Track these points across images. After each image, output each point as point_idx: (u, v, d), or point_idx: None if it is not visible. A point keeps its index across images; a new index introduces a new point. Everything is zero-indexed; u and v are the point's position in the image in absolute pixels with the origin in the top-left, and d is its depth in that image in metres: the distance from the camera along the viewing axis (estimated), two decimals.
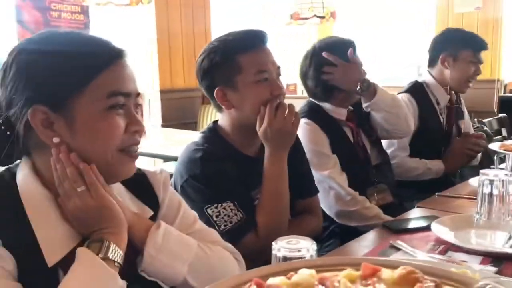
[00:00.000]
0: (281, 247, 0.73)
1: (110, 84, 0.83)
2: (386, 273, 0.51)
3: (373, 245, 1.23)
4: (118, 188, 0.95)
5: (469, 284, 0.49)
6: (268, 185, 1.39)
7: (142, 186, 0.99)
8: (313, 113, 1.93)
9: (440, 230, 1.22)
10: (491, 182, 1.17)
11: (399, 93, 2.32)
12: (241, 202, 1.37)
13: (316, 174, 1.75)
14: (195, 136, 1.54)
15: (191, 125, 4.39)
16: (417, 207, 1.59)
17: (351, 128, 1.97)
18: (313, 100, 2.00)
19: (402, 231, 1.31)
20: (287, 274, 0.53)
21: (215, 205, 1.34)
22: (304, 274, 0.52)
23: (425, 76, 2.42)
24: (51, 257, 0.79)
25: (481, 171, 1.22)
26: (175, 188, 1.36)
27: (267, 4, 4.71)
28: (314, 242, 0.74)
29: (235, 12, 4.63)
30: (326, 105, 1.96)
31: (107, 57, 0.84)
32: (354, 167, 1.88)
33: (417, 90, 2.35)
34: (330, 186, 1.82)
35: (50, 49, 0.83)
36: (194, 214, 1.10)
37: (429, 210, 1.50)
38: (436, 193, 1.71)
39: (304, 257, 0.72)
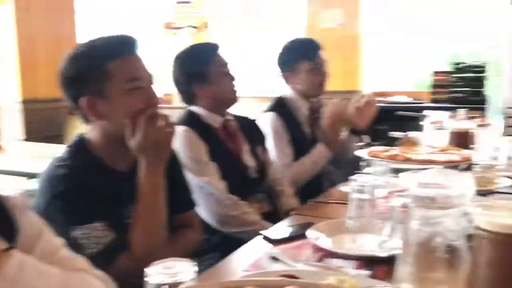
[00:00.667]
0: (156, 272, 0.66)
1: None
2: None
3: (254, 256, 1.21)
4: None
5: None
6: (143, 200, 1.30)
7: None
8: (190, 120, 1.92)
9: (316, 237, 1.24)
10: (362, 187, 1.22)
11: (265, 112, 2.39)
12: (113, 221, 1.26)
13: (196, 181, 1.73)
14: (60, 150, 1.40)
15: (57, 138, 4.05)
16: (293, 214, 1.61)
17: (225, 136, 1.98)
18: (190, 108, 1.98)
19: (281, 240, 1.32)
20: None
21: (83, 226, 1.21)
22: None
23: (284, 90, 2.50)
24: None
25: (352, 177, 1.27)
26: (38, 209, 1.20)
27: (140, 13, 4.56)
28: (195, 263, 0.68)
29: (105, 20, 4.39)
30: (202, 112, 1.95)
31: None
32: (232, 176, 1.88)
33: (280, 106, 2.41)
34: (211, 192, 1.81)
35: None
36: (58, 240, 0.97)
37: (304, 217, 1.54)
38: (309, 200, 1.77)
39: (182, 282, 0.66)
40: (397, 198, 0.90)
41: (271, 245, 1.29)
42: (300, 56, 2.40)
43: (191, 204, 1.60)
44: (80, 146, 1.36)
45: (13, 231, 0.87)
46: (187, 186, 1.61)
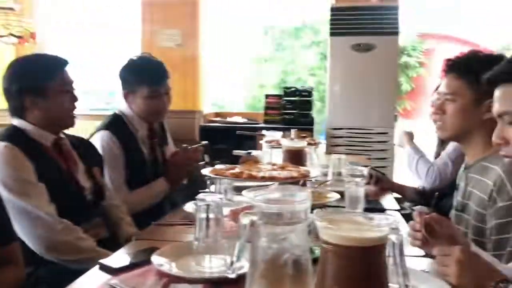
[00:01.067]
0: None
1: None
2: None
3: None
4: None
5: None
6: None
7: None
8: (14, 136, 1.72)
9: (160, 262, 1.17)
10: (208, 206, 1.19)
11: (98, 130, 2.24)
12: None
13: (20, 204, 1.57)
14: None
15: None
16: (134, 239, 1.51)
17: (57, 156, 1.81)
18: (14, 122, 1.77)
19: (121, 269, 1.21)
20: None
21: None
22: None
23: (122, 106, 2.38)
24: None
25: (196, 196, 1.23)
26: None
27: None
28: None
29: None
30: (30, 128, 1.75)
31: None
32: (64, 198, 1.72)
33: (115, 124, 2.29)
34: (38, 215, 1.62)
35: None
36: None
37: (147, 242, 1.44)
38: (152, 222, 1.69)
39: None
40: (245, 215, 0.88)
41: (110, 275, 1.17)
42: (142, 80, 2.29)
43: (11, 237, 1.40)
44: None
45: None
46: (6, 215, 1.41)
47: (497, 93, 1.18)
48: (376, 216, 0.79)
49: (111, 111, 2.48)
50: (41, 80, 1.76)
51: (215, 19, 5.29)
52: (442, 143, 2.72)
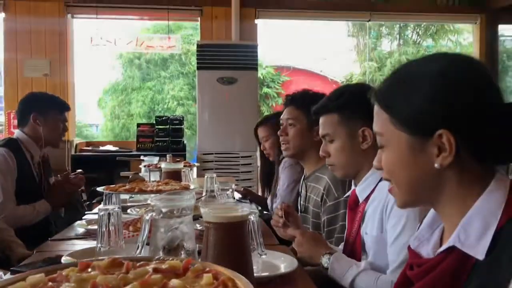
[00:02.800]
0: None
1: None
2: (97, 263, 0.70)
3: None
4: None
5: (150, 259, 0.75)
6: None
7: None
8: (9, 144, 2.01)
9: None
10: (109, 215, 1.46)
11: None
12: None
13: None
14: None
15: None
16: (37, 252, 1.69)
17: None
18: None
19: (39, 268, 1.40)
20: (17, 281, 0.64)
21: None
22: (35, 277, 0.64)
23: (16, 133, 2.56)
24: None
25: (99, 207, 1.49)
26: None
27: None
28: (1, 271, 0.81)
29: None
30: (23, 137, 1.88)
31: None
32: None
33: (12, 144, 2.46)
34: None
35: None
36: None
37: (48, 253, 1.64)
38: (49, 239, 1.87)
39: None
40: (147, 212, 1.19)
41: None
42: (53, 105, 2.60)
43: None
44: None
45: None
46: None
47: (320, 120, 1.66)
48: (241, 205, 1.16)
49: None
50: None
51: (83, 48, 5.39)
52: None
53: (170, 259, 0.75)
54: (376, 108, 0.95)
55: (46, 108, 2.57)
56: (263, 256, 1.34)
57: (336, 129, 1.57)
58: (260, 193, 3.40)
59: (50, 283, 0.64)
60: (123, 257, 0.74)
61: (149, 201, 1.55)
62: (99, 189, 1.84)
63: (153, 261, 0.74)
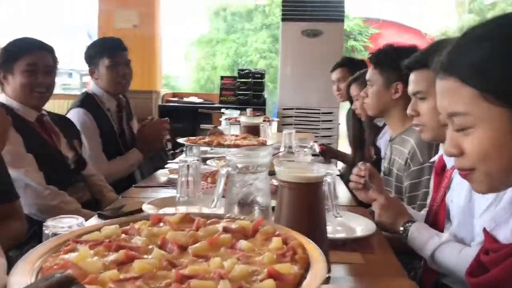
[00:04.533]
0: (53, 225, 0.81)
1: None
2: (169, 218, 0.71)
3: None
4: None
5: (221, 217, 0.75)
6: None
7: None
8: (85, 102, 2.06)
9: (150, 210, 1.46)
10: (188, 166, 1.49)
11: (71, 108, 2.49)
12: None
13: (13, 173, 1.74)
14: None
15: None
16: (122, 197, 1.79)
17: (41, 130, 2.03)
18: (2, 98, 1.99)
19: (118, 217, 1.48)
20: (93, 231, 0.66)
21: None
22: (110, 228, 0.66)
23: (91, 86, 2.64)
24: None
25: (179, 158, 1.53)
26: None
27: None
28: (83, 218, 0.85)
29: None
30: (14, 105, 1.97)
31: None
32: (50, 167, 1.95)
33: (87, 101, 2.54)
34: (27, 183, 1.85)
35: None
36: None
37: (132, 199, 1.73)
38: (133, 185, 1.97)
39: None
40: (223, 167, 1.19)
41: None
42: (102, 52, 2.56)
43: (13, 195, 1.63)
44: None
45: None
46: (8, 177, 1.64)
47: (412, 76, 1.54)
48: (318, 165, 1.12)
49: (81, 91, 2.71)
50: (12, 58, 1.98)
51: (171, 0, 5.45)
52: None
53: (241, 218, 0.73)
54: (447, 83, 0.81)
55: (95, 58, 2.59)
56: (339, 218, 1.30)
57: (430, 86, 1.43)
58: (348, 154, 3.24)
59: (123, 235, 0.65)
60: (194, 213, 0.74)
61: (225, 156, 1.57)
62: (180, 140, 1.88)
63: (224, 219, 0.73)
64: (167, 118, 2.74)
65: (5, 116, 1.41)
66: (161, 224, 0.69)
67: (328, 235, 1.11)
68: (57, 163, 2.04)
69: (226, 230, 0.67)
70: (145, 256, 0.58)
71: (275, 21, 9.41)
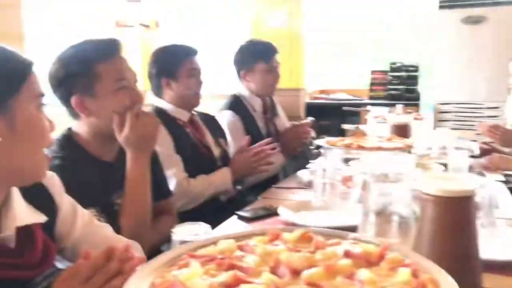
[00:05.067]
0: (180, 232, 0.83)
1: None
2: (287, 235, 0.66)
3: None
4: (15, 195, 0.93)
5: (344, 237, 0.67)
6: (131, 189, 1.44)
7: (36, 191, 0.98)
8: (158, 115, 2.04)
9: (286, 214, 1.44)
10: (324, 171, 1.43)
11: (220, 111, 2.58)
12: (103, 208, 1.39)
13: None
14: None
15: None
16: (262, 198, 1.80)
17: (192, 130, 2.14)
18: (157, 103, 2.13)
19: (254, 219, 1.50)
20: (209, 246, 0.64)
21: None
22: (225, 243, 0.64)
23: (238, 88, 2.71)
24: None
25: (313, 162, 1.48)
26: None
27: (90, 10, 4.57)
28: (209, 225, 0.86)
29: (54, 16, 4.37)
30: (169, 107, 2.10)
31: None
32: (201, 166, 2.05)
33: (235, 104, 2.61)
34: (174, 182, 1.95)
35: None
36: (87, 212, 1.11)
37: (271, 200, 1.73)
38: (272, 186, 1.98)
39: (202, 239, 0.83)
40: (359, 176, 1.11)
41: (246, 223, 1.47)
42: (258, 57, 2.61)
43: (168, 193, 1.75)
44: (69, 139, 1.47)
45: (54, 209, 1.00)
46: (164, 175, 1.76)
47: None
48: (469, 176, 0.97)
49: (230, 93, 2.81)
50: (174, 65, 2.12)
51: None
52: None
53: (367, 239, 0.65)
54: None
55: (248, 62, 2.62)
56: (498, 234, 1.12)
57: None
58: None
59: (237, 252, 0.62)
60: (315, 230, 0.69)
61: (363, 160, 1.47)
62: (319, 142, 1.83)
63: (347, 239, 0.66)
64: (309, 121, 2.72)
65: (156, 119, 1.51)
66: (278, 242, 0.65)
67: (482, 255, 0.96)
68: (206, 161, 2.14)
69: (347, 254, 0.60)
70: (255, 280, 0.54)
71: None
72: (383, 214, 1.09)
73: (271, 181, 2.39)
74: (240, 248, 0.64)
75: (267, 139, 2.25)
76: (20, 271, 0.85)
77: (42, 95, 0.94)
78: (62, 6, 4.44)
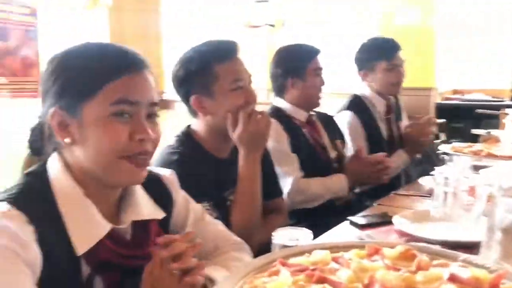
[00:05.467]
0: (281, 236, 0.82)
1: (118, 92, 0.87)
2: (387, 251, 0.61)
3: (343, 239, 1.34)
4: (138, 190, 1.00)
5: (453, 257, 0.61)
6: (243, 186, 1.48)
7: (157, 187, 1.06)
8: (276, 114, 2.08)
9: (401, 223, 1.35)
10: (446, 180, 1.32)
11: (340, 111, 2.50)
12: (216, 203, 1.44)
13: (277, 168, 1.85)
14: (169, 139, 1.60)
15: None
16: (377, 204, 1.72)
17: (309, 130, 2.12)
18: (275, 103, 2.15)
19: (367, 226, 1.44)
20: (303, 255, 0.63)
21: None
22: (320, 254, 0.61)
23: (360, 88, 2.60)
24: (80, 247, 0.85)
25: (436, 169, 1.37)
26: None
27: (219, 12, 4.81)
28: (310, 231, 0.84)
29: (187, 17, 4.68)
30: (287, 107, 2.11)
31: (117, 67, 0.89)
32: (317, 166, 2.02)
33: (356, 104, 2.51)
34: (287, 180, 1.94)
35: (72, 57, 0.89)
36: (199, 206, 1.18)
37: (387, 207, 1.64)
38: (392, 192, 1.88)
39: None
40: (484, 188, 1.00)
41: (358, 230, 1.42)
42: (379, 56, 2.50)
43: (278, 192, 1.76)
44: (188, 136, 1.56)
45: (170, 204, 1.07)
46: (275, 174, 1.78)
47: None
48: None
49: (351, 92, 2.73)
50: (301, 64, 2.11)
51: None
52: None
53: (481, 263, 0.58)
54: None
55: (369, 61, 2.52)
56: None
57: None
58: None
59: (330, 264, 0.59)
60: (421, 247, 0.63)
61: (490, 171, 1.32)
62: (442, 148, 1.69)
63: (457, 261, 0.59)
64: (433, 117, 2.53)
65: (267, 119, 1.52)
66: (377, 257, 0.61)
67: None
68: (322, 162, 2.11)
69: (452, 279, 0.53)
70: None
71: None
72: (509, 232, 0.97)
73: (392, 184, 2.27)
74: (335, 260, 0.61)
75: (383, 154, 2.14)
76: (135, 261, 0.91)
77: (125, 101, 0.88)
78: (196, 9, 4.74)
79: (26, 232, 0.79)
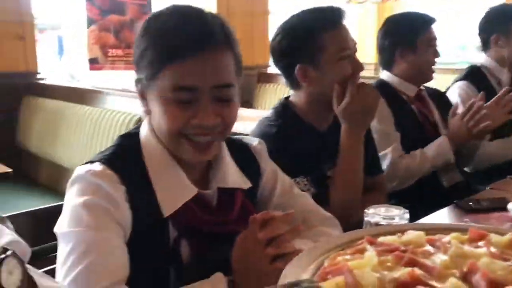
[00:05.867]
0: (374, 214, 0.76)
1: (176, 77, 0.86)
2: (495, 237, 0.53)
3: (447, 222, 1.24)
4: (226, 159, 1.00)
5: None
6: (344, 161, 1.41)
7: (245, 157, 1.06)
8: (382, 88, 1.91)
9: None
10: None
11: (456, 81, 2.29)
12: (314, 177, 1.39)
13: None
14: (255, 113, 1.57)
15: (246, 104, 4.40)
16: (490, 188, 1.57)
17: (418, 106, 1.98)
18: (381, 76, 2.03)
19: (474, 210, 1.31)
20: (394, 234, 0.57)
21: None
22: (413, 234, 0.55)
23: (481, 58, 2.35)
24: (167, 209, 0.87)
25: None
26: None
27: None
28: (407, 210, 0.77)
29: None
30: (395, 80, 1.97)
31: (183, 47, 0.85)
32: (423, 144, 1.88)
33: (473, 75, 2.28)
34: (391, 161, 1.82)
35: (151, 26, 0.91)
36: (288, 178, 1.15)
37: (501, 192, 1.48)
38: (508, 176, 1.69)
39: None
40: None
41: (464, 214, 1.30)
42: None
43: (379, 169, 1.67)
44: (286, 108, 1.52)
45: (259, 172, 1.07)
46: (376, 150, 1.68)
47: None
48: None
49: (460, 65, 2.49)
50: (412, 36, 1.95)
51: None
52: None
53: None
54: None
55: (498, 25, 2.24)
56: None
57: None
58: None
59: (425, 247, 0.53)
60: None
61: None
62: None
63: None
64: None
65: (376, 92, 1.44)
66: (481, 243, 0.53)
67: None
68: (432, 140, 1.94)
69: None
70: (437, 285, 0.45)
71: None
72: None
73: (508, 167, 2.05)
74: (431, 242, 0.54)
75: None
76: (219, 227, 0.91)
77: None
78: None
79: (118, 192, 0.83)
